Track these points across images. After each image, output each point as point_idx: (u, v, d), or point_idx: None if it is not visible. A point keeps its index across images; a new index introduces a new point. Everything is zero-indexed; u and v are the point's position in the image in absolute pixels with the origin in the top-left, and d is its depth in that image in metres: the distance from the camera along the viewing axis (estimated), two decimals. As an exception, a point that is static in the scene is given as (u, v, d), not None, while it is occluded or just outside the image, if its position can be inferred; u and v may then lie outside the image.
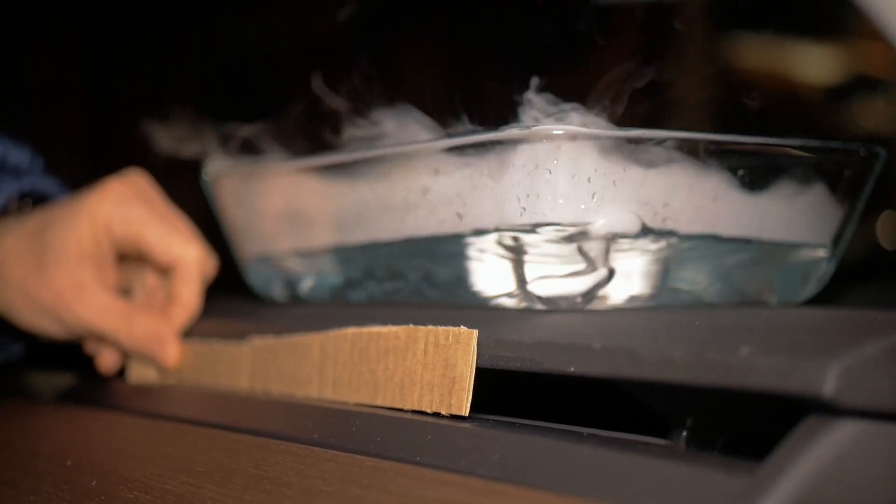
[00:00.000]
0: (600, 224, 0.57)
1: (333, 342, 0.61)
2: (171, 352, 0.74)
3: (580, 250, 0.58)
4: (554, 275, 0.59)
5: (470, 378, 0.53)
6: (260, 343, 0.68)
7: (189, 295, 0.75)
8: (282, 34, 2.49)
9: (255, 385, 0.68)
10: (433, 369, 0.54)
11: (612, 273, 0.59)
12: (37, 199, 0.82)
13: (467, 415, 0.53)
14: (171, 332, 0.75)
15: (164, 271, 0.78)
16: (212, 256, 0.78)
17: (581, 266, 0.58)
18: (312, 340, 0.63)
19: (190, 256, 0.75)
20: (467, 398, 0.53)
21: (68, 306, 0.74)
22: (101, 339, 0.76)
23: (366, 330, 0.59)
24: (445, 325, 0.54)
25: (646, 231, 0.58)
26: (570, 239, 0.57)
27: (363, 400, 0.59)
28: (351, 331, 0.60)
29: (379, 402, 0.57)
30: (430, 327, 0.55)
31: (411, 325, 0.56)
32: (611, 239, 0.58)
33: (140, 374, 0.77)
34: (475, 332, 0.53)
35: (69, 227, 0.74)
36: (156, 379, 0.76)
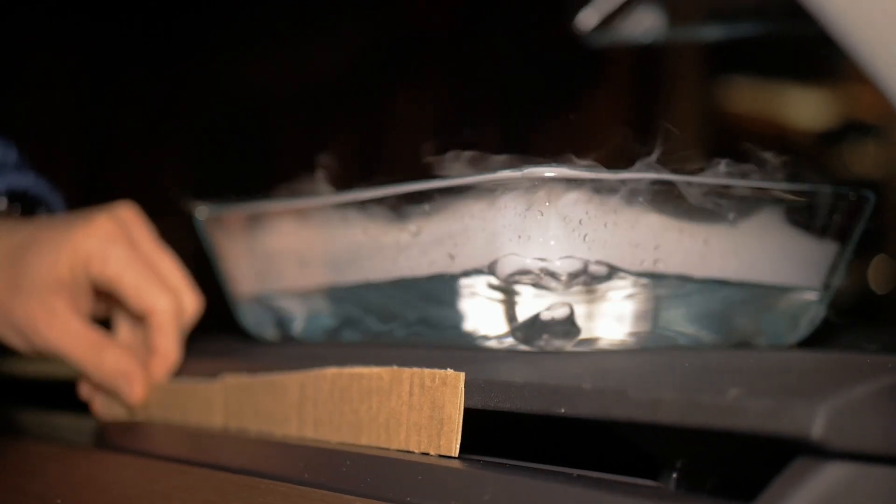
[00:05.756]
0: (557, 263, 0.57)
1: (313, 382, 0.61)
2: (138, 389, 0.73)
3: (545, 287, 0.58)
4: (530, 314, 0.59)
5: (459, 420, 0.53)
6: (233, 381, 0.67)
7: (166, 345, 0.74)
8: (277, 78, 2.50)
9: (230, 422, 0.67)
10: (420, 410, 0.54)
11: (571, 310, 0.59)
12: (21, 198, 0.81)
13: (457, 455, 0.53)
14: (141, 370, 0.74)
15: (140, 318, 0.77)
16: (192, 301, 0.76)
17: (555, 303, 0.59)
18: (290, 380, 0.63)
19: (161, 306, 0.74)
20: (457, 439, 0.53)
21: (39, 331, 0.74)
22: (71, 365, 0.75)
23: (346, 370, 0.59)
24: (435, 366, 0.54)
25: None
26: (546, 278, 0.57)
27: (346, 439, 0.58)
28: (331, 371, 0.60)
29: (363, 442, 0.57)
30: (415, 369, 0.55)
31: (395, 367, 0.56)
32: (571, 277, 0.58)
33: (107, 408, 0.76)
34: (462, 375, 0.53)
35: (50, 256, 0.74)
36: (123, 415, 0.76)
